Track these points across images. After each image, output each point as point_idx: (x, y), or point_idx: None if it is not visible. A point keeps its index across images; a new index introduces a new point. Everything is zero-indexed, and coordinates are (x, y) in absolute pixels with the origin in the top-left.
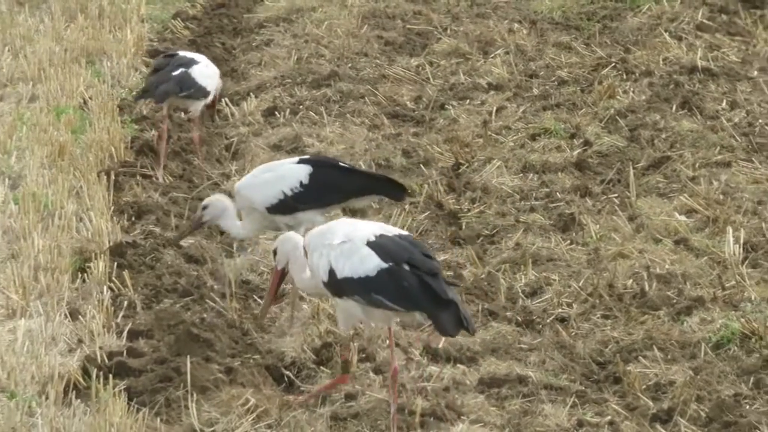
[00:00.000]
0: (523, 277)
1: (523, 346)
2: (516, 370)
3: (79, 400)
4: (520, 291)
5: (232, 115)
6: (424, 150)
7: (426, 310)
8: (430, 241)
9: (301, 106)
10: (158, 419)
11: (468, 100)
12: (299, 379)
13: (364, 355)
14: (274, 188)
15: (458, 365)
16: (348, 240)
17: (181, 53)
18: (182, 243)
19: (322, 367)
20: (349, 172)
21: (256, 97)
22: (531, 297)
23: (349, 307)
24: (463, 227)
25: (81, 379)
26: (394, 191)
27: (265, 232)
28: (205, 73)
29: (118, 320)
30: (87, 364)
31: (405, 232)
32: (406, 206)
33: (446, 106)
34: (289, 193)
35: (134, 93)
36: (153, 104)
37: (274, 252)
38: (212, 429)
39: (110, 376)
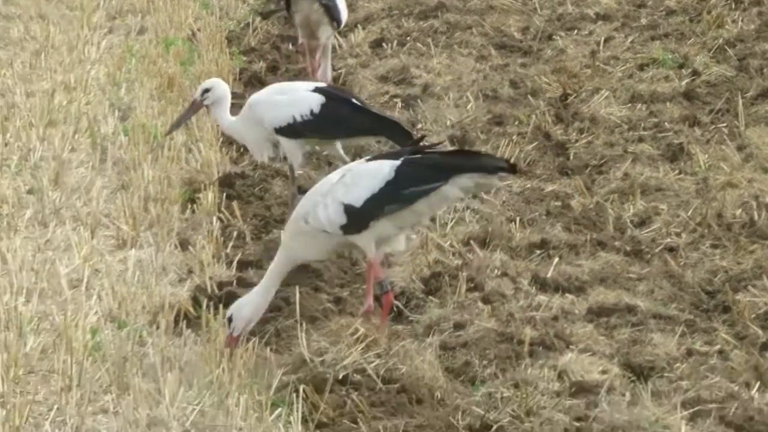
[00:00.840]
0: (631, 207)
1: (631, 275)
2: (624, 300)
3: (189, 330)
4: (628, 221)
5: (340, 46)
6: (532, 81)
7: (471, 167)
8: (538, 171)
9: (408, 38)
10: (268, 348)
11: (576, 31)
12: (408, 308)
13: (472, 285)
14: (286, 111)
15: (566, 295)
16: (346, 171)
17: None
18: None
19: (431, 297)
20: (360, 110)
21: (363, 28)
22: (639, 227)
23: (381, 229)
24: (571, 157)
25: (191, 309)
26: (399, 136)
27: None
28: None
29: (228, 251)
30: (197, 294)
31: None
32: (514, 137)
33: (554, 36)
34: (299, 119)
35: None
36: (285, 14)
37: (229, 319)
38: (321, 358)
39: (220, 305)
